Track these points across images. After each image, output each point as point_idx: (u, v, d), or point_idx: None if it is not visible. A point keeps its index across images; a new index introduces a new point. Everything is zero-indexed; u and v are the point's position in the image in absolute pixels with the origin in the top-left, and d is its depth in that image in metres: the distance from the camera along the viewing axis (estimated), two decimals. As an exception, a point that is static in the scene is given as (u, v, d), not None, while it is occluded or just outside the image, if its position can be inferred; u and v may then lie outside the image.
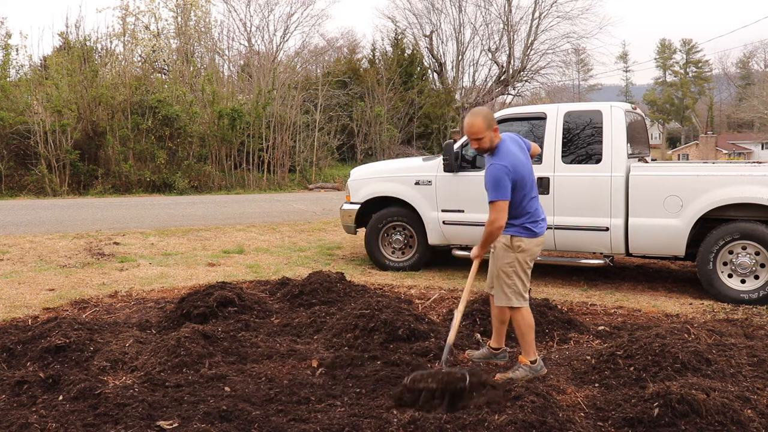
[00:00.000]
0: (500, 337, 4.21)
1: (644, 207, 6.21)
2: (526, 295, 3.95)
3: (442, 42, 34.24)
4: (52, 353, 4.07)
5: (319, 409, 3.38)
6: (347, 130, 26.11)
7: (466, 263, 7.66)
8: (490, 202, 3.71)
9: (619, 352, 3.95)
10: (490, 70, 33.89)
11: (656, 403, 3.13)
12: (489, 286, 4.15)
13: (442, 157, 7.05)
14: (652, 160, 7.55)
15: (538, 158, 6.72)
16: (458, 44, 33.15)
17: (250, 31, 33.43)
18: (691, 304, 5.96)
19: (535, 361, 3.91)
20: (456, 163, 6.94)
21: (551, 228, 6.56)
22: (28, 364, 3.99)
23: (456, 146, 7.00)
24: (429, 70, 33.55)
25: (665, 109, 72.21)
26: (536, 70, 33.56)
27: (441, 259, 7.75)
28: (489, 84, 33.16)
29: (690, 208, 6.02)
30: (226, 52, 28.34)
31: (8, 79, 18.52)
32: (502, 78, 32.45)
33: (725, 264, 6.01)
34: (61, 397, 3.43)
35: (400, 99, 28.28)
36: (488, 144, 3.79)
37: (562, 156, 6.55)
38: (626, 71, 77.42)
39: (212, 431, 3.06)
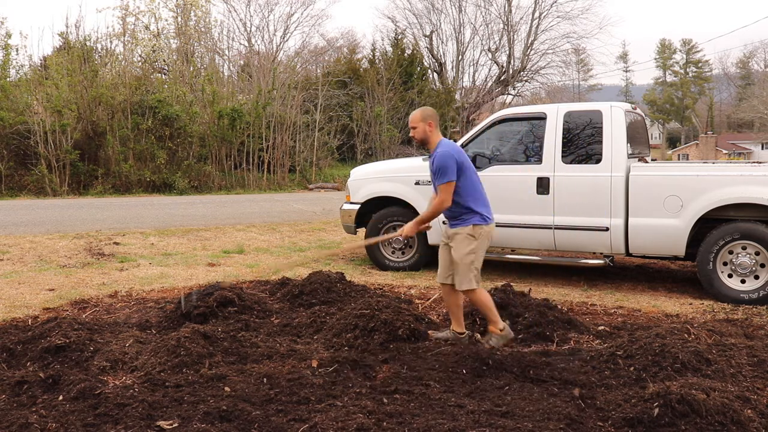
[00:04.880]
0: (461, 321, 4.61)
1: (644, 207, 6.21)
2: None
3: (442, 42, 34.27)
4: (52, 353, 4.06)
5: (319, 409, 3.38)
6: (347, 130, 26.11)
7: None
8: (440, 185, 4.22)
9: (619, 352, 3.95)
10: (490, 70, 33.92)
11: (656, 403, 3.12)
12: (444, 276, 4.53)
13: (442, 157, 7.04)
14: (652, 160, 7.55)
15: (537, 158, 6.73)
16: (458, 44, 33.16)
17: (250, 31, 33.49)
18: (691, 304, 5.96)
19: (503, 328, 4.38)
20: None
21: (551, 228, 6.56)
22: (28, 364, 3.98)
23: (456, 146, 7.00)
24: (429, 70, 33.56)
25: (665, 109, 72.22)
26: (536, 70, 33.58)
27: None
28: (489, 84, 33.14)
29: (690, 208, 6.02)
30: (226, 52, 28.40)
31: (8, 79, 18.52)
32: (502, 78, 32.43)
33: (725, 264, 6.01)
34: (61, 397, 3.43)
35: (400, 99, 28.27)
36: (421, 134, 4.36)
37: (562, 156, 6.54)
38: (626, 71, 77.54)
39: (212, 431, 3.06)
